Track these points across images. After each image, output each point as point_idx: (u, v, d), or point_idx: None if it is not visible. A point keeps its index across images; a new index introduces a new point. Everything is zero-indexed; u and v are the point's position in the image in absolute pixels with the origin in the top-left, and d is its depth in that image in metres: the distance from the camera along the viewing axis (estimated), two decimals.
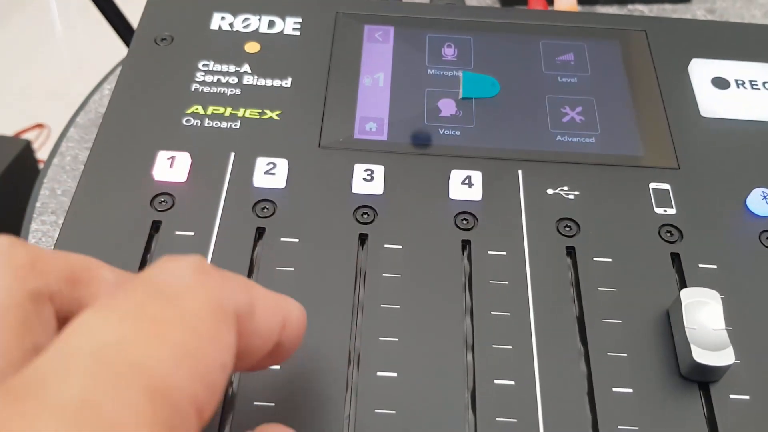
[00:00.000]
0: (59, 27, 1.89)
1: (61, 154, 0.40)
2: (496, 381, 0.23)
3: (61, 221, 0.35)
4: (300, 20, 0.34)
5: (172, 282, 0.15)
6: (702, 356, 0.23)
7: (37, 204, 0.37)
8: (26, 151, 0.87)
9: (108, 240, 0.26)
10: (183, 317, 0.14)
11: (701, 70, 0.33)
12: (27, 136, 1.18)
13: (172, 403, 0.13)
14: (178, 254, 0.16)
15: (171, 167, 0.28)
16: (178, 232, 0.26)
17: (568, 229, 0.27)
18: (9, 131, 1.18)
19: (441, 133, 0.30)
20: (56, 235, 0.35)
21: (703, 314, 0.24)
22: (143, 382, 0.13)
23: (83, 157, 0.39)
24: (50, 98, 1.59)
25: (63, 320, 0.16)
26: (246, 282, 0.17)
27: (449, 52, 0.33)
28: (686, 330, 0.23)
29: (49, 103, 1.54)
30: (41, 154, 1.01)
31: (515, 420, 0.22)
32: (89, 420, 0.11)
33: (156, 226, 0.27)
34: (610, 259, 0.26)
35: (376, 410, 0.22)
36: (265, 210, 0.27)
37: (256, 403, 0.22)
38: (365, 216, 0.27)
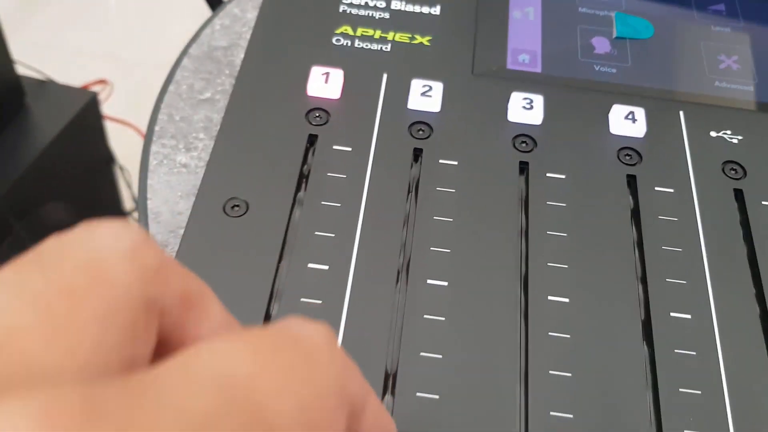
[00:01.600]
0: None
1: (177, 83, 0.39)
2: (672, 314, 0.22)
3: (181, 146, 0.35)
4: None
5: (309, 339, 0.14)
6: None
7: (156, 128, 0.37)
8: (92, 102, 0.88)
9: (264, 151, 0.26)
10: (313, 377, 0.13)
11: None
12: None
13: None
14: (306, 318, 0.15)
15: (326, 83, 0.27)
16: (335, 147, 0.26)
17: (733, 172, 0.26)
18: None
19: (597, 69, 0.29)
20: (177, 158, 0.35)
21: None
22: (262, 427, 0.12)
23: (198, 87, 0.39)
24: (105, 58, 1.60)
25: (162, 341, 0.15)
26: (360, 375, 0.15)
27: None
28: None
29: (102, 62, 1.55)
30: (105, 108, 1.02)
31: (693, 353, 0.22)
32: None
33: (311, 139, 0.26)
34: None
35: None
36: (421, 132, 0.27)
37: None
38: (524, 144, 0.26)
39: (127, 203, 1.02)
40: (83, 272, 0.13)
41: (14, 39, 0.88)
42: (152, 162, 0.35)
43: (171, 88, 0.39)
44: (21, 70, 0.80)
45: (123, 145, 1.01)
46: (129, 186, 1.01)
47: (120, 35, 1.74)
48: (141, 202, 0.33)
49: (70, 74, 1.24)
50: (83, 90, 0.87)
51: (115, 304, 0.13)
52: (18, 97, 0.81)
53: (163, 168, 0.34)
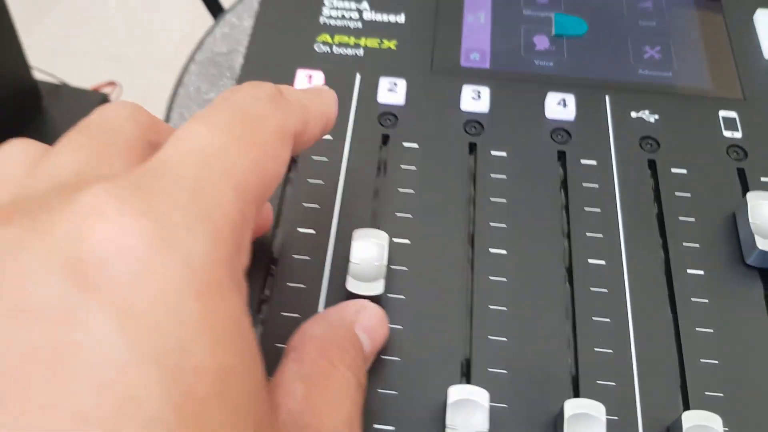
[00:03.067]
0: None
1: (185, 85, 0.45)
2: (589, 260, 0.28)
3: None
4: None
5: (254, 109, 0.20)
6: (765, 244, 0.27)
7: (169, 124, 0.42)
8: (103, 103, 0.93)
9: None
10: (258, 139, 0.19)
11: (765, 20, 0.37)
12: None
13: (246, 197, 0.18)
14: (260, 81, 0.21)
15: (309, 82, 0.33)
16: None
17: (649, 146, 0.32)
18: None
19: (536, 63, 0.34)
20: None
21: (765, 210, 0.28)
22: (232, 182, 0.17)
23: (205, 88, 0.45)
24: (111, 59, 1.66)
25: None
26: (303, 107, 0.22)
27: None
28: (750, 224, 0.28)
29: (109, 63, 1.60)
30: None
31: (605, 290, 0.27)
32: (200, 199, 0.16)
33: None
34: (685, 171, 0.31)
35: (490, 277, 0.27)
36: (388, 121, 0.32)
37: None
38: (473, 129, 0.32)
39: None
40: (106, 128, 0.20)
41: (25, 43, 0.94)
42: None
43: (180, 90, 0.45)
44: (36, 74, 0.86)
45: None
46: None
47: (124, 37, 1.79)
48: None
49: (80, 76, 1.30)
50: (95, 92, 0.93)
51: (130, 143, 0.20)
52: (35, 101, 0.87)
53: None
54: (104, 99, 0.92)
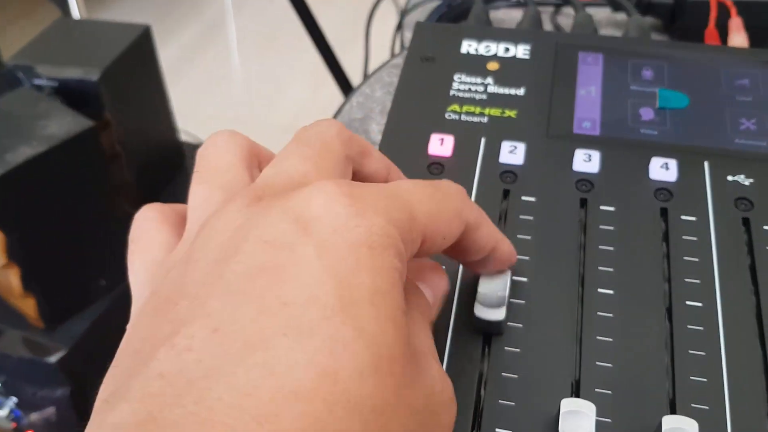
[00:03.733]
0: (237, 63, 2.12)
1: None
2: (687, 302, 0.32)
3: None
4: (529, 47, 0.44)
5: (447, 185, 0.27)
6: None
7: None
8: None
9: None
10: (441, 200, 0.25)
11: None
12: None
13: (416, 231, 0.23)
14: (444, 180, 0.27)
15: (441, 145, 0.39)
16: None
17: (743, 205, 0.35)
18: None
19: (642, 132, 0.39)
20: None
21: None
22: (407, 211, 0.23)
23: None
24: (232, 123, 1.80)
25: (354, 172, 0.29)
26: (479, 209, 0.28)
27: (647, 73, 0.42)
28: None
29: (232, 125, 1.73)
30: None
31: (701, 328, 0.31)
32: (391, 205, 0.23)
33: None
34: None
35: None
36: (509, 178, 0.37)
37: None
38: (584, 186, 0.37)
39: None
40: (321, 142, 0.27)
41: None
42: None
43: None
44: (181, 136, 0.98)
45: None
46: None
47: (245, 102, 1.94)
48: None
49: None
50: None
51: (337, 156, 0.27)
52: (179, 159, 0.98)
53: None
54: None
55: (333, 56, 0.90)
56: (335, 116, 0.55)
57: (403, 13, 0.73)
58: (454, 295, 0.33)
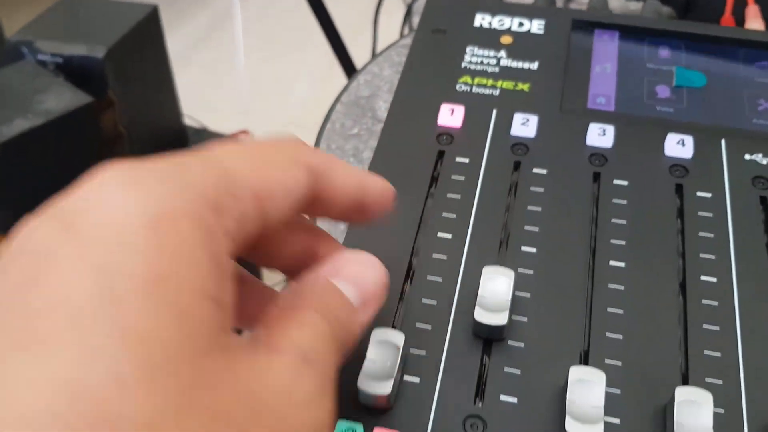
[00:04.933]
0: (242, 57, 2.12)
1: (332, 122, 0.51)
2: (702, 277, 0.31)
3: None
4: (544, 23, 0.43)
5: (275, 143, 0.23)
6: None
7: None
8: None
9: (406, 162, 0.36)
10: (271, 152, 0.22)
11: None
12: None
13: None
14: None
15: (451, 115, 0.38)
16: (457, 159, 0.36)
17: (760, 184, 0.34)
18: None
19: (658, 109, 0.38)
20: None
21: None
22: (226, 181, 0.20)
23: (348, 125, 0.51)
24: (238, 114, 1.79)
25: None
26: (328, 155, 0.24)
27: (664, 52, 0.41)
28: None
29: (237, 117, 1.74)
30: None
31: (716, 303, 0.30)
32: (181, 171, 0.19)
33: (440, 154, 0.36)
34: None
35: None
36: (520, 150, 0.36)
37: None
38: (597, 161, 0.36)
39: None
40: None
41: None
42: None
43: (328, 125, 0.51)
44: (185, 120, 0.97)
45: None
46: None
47: (249, 94, 1.93)
48: None
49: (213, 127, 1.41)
50: (233, 137, 1.03)
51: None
52: (183, 143, 0.98)
53: None
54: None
55: (341, 43, 0.89)
56: (341, 94, 0.54)
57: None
58: (459, 270, 0.32)
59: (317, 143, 0.49)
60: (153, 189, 0.18)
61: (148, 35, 0.87)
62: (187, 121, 1.02)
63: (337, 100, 0.54)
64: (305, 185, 0.22)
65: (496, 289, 0.29)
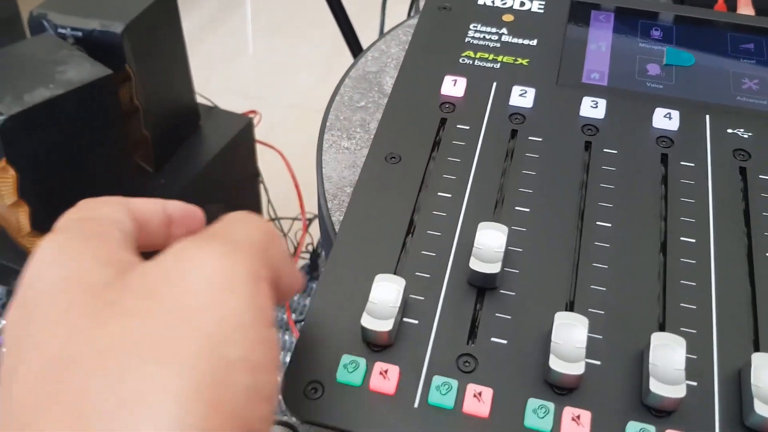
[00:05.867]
0: (251, 40, 2.14)
1: (341, 95, 0.54)
2: (681, 238, 0.33)
3: (344, 136, 0.49)
4: (544, 3, 0.46)
5: (245, 240, 0.23)
6: None
7: (327, 124, 0.51)
8: (248, 127, 1.05)
9: (411, 128, 0.39)
10: (239, 262, 0.22)
11: None
12: None
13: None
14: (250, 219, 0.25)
15: (454, 86, 0.40)
16: (458, 126, 0.39)
17: (741, 156, 0.37)
18: None
19: (648, 85, 0.41)
20: (342, 143, 0.48)
21: None
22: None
23: (357, 98, 0.53)
24: (245, 97, 1.82)
25: None
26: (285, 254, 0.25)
27: (656, 33, 0.44)
28: None
29: (245, 100, 1.76)
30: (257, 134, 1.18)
31: (694, 261, 0.32)
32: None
33: (442, 121, 0.39)
34: None
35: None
36: (517, 120, 0.39)
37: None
38: (589, 131, 0.38)
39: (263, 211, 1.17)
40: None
41: None
42: (325, 145, 0.49)
43: (336, 98, 0.54)
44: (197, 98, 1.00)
45: (266, 164, 1.17)
46: (267, 196, 1.17)
47: (257, 79, 1.95)
48: (318, 170, 0.47)
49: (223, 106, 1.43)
50: (242, 116, 1.05)
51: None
52: (195, 119, 1.00)
53: (333, 149, 0.48)
54: (249, 122, 1.04)
55: (351, 28, 0.91)
56: (350, 69, 0.57)
57: None
58: (458, 221, 0.34)
59: (326, 115, 0.52)
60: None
61: (165, 13, 0.89)
62: (199, 100, 1.05)
63: (346, 74, 0.56)
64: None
65: (490, 242, 0.31)
